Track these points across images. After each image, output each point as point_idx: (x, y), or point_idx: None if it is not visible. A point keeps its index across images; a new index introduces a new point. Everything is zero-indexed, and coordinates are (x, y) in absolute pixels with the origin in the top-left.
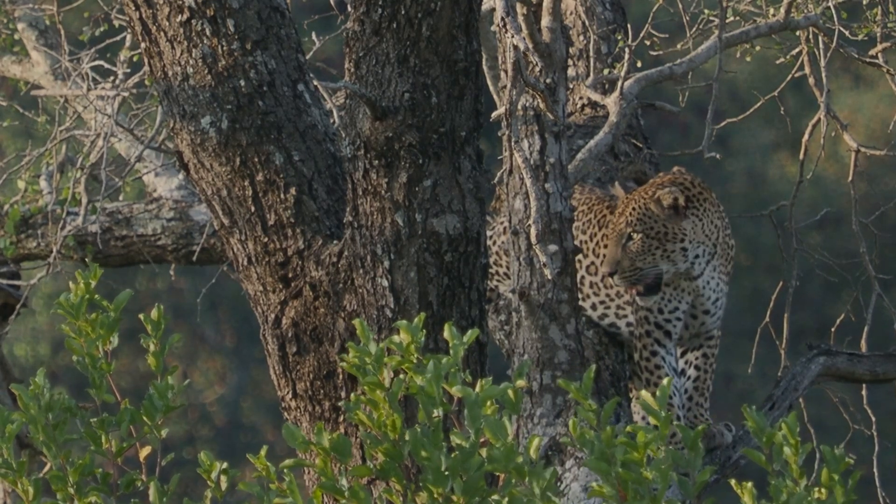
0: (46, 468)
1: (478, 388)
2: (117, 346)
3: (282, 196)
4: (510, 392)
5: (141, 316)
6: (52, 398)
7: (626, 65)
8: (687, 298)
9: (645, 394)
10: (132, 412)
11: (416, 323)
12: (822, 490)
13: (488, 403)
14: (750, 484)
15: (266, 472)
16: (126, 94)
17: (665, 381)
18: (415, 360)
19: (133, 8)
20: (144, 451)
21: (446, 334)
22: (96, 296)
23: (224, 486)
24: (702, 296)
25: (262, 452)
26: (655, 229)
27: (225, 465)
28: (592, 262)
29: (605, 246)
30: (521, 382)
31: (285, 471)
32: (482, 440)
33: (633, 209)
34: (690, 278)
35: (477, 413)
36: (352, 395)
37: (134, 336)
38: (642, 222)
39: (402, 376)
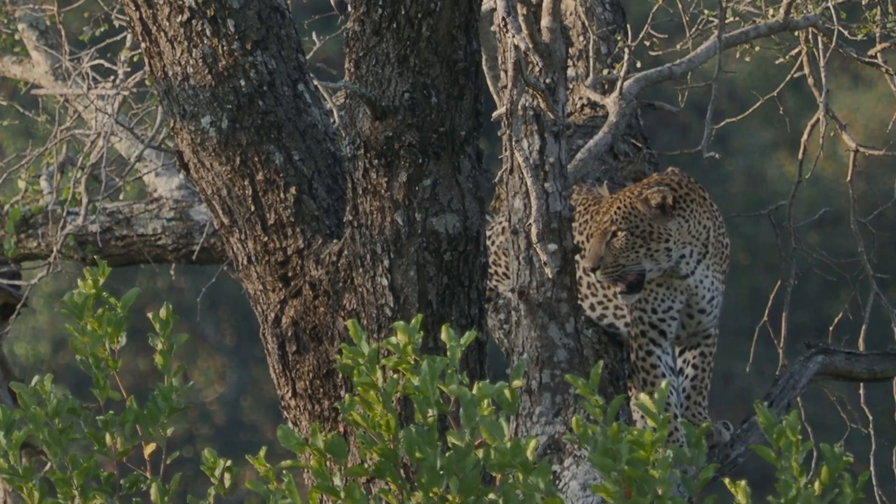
0: (47, 467)
1: (475, 389)
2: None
3: (282, 195)
4: (507, 392)
5: (150, 314)
6: (58, 402)
7: (625, 65)
8: (681, 298)
9: (643, 396)
10: (136, 412)
11: (413, 324)
12: (818, 485)
13: (485, 403)
14: (743, 482)
15: (266, 472)
16: (126, 93)
17: (663, 383)
18: (412, 361)
19: (133, 8)
20: (149, 449)
21: (443, 336)
22: (103, 293)
23: (227, 483)
24: (696, 295)
25: (262, 453)
26: (641, 228)
27: (229, 462)
28: None
29: None
30: (517, 382)
31: (284, 471)
32: (479, 440)
33: (619, 207)
34: (680, 278)
35: (472, 413)
36: (346, 395)
37: (134, 334)
38: (627, 220)
39: (396, 376)
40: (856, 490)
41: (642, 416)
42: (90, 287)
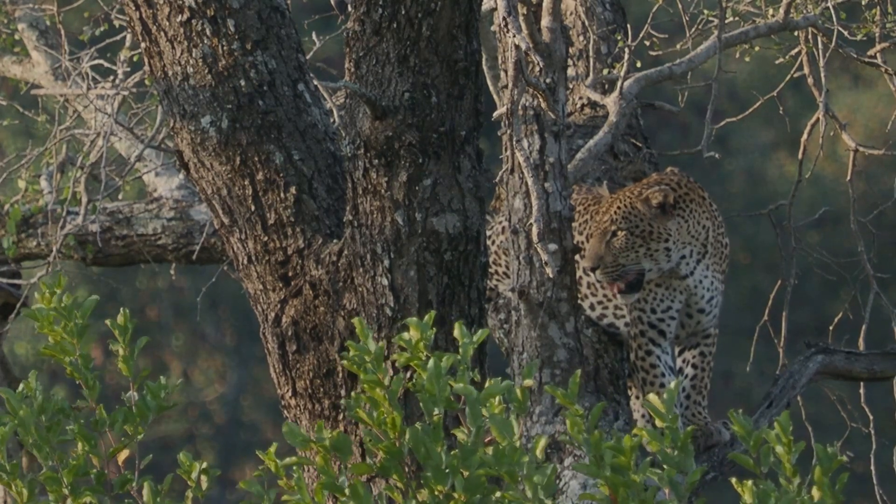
0: (45, 469)
1: (485, 386)
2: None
3: (282, 195)
4: (518, 391)
5: (108, 321)
6: (46, 400)
7: (625, 65)
8: (680, 297)
9: (652, 397)
10: (126, 412)
11: (427, 320)
12: (816, 490)
13: (495, 402)
14: (750, 482)
15: (275, 468)
16: (126, 93)
17: (672, 383)
18: (423, 358)
19: (133, 8)
20: (122, 456)
21: (456, 333)
22: (62, 304)
23: (205, 486)
24: (695, 295)
25: (272, 449)
26: (640, 227)
27: (205, 464)
28: None
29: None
30: (528, 382)
31: (294, 468)
32: (487, 439)
33: (619, 207)
34: (679, 277)
35: (478, 411)
36: (352, 393)
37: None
38: (627, 220)
39: (401, 374)
40: (835, 492)
41: (644, 416)
42: (48, 300)
